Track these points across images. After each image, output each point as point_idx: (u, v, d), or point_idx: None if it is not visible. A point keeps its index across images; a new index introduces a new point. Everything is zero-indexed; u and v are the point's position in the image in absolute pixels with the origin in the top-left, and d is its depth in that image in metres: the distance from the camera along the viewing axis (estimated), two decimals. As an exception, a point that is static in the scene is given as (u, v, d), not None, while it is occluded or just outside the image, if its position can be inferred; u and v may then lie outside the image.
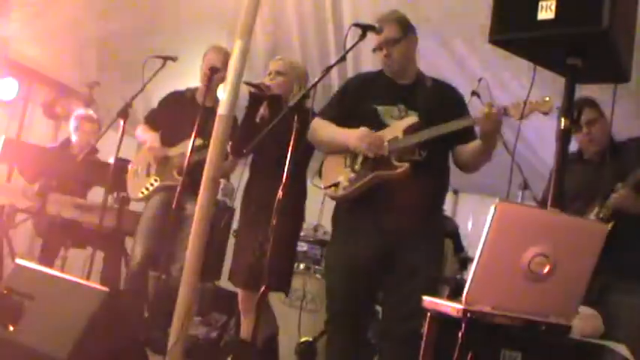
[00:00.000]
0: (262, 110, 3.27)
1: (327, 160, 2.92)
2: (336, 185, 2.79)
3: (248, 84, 3.19)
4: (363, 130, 2.74)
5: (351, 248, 2.78)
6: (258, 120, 3.25)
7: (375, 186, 2.72)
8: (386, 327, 2.82)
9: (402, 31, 2.85)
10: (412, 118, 2.74)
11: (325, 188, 2.85)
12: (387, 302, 2.86)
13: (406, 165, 2.66)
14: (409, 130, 2.71)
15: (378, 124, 2.77)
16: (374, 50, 2.87)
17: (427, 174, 2.70)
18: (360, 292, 2.79)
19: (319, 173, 2.95)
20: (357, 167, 2.77)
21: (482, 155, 2.70)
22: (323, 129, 2.90)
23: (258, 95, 3.24)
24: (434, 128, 2.65)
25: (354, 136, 2.75)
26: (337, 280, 2.84)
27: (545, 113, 2.38)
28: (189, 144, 3.50)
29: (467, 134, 2.71)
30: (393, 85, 2.89)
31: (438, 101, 2.79)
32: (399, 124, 2.75)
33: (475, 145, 2.70)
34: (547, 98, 2.37)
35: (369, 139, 2.71)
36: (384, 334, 2.83)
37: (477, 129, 2.69)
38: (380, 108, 2.80)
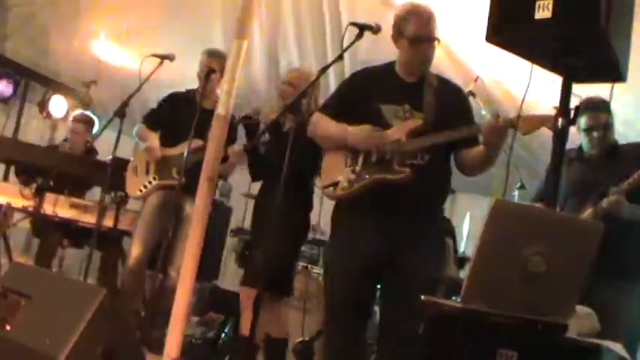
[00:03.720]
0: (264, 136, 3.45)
1: (327, 157, 2.86)
2: (334, 185, 2.74)
3: (238, 122, 3.54)
4: (366, 128, 2.68)
5: (350, 248, 2.74)
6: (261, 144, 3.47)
7: (375, 187, 2.68)
8: (385, 328, 2.78)
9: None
10: (416, 121, 2.67)
11: (323, 188, 2.81)
12: (386, 303, 2.82)
13: (407, 171, 2.61)
14: (413, 134, 2.65)
15: (381, 124, 2.70)
16: (430, 40, 2.72)
17: (429, 177, 2.65)
18: (359, 292, 2.75)
19: (319, 172, 2.91)
20: (357, 168, 2.71)
21: (484, 162, 2.65)
22: (322, 124, 2.84)
23: (250, 124, 3.50)
24: (438, 134, 2.60)
25: (355, 134, 2.69)
26: (336, 280, 2.80)
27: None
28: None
29: (470, 140, 2.65)
30: (399, 83, 2.80)
31: (444, 103, 2.72)
32: (403, 126, 2.68)
33: (478, 151, 2.64)
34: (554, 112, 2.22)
35: (372, 139, 2.66)
36: (382, 335, 2.80)
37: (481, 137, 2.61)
38: (384, 107, 2.72)
